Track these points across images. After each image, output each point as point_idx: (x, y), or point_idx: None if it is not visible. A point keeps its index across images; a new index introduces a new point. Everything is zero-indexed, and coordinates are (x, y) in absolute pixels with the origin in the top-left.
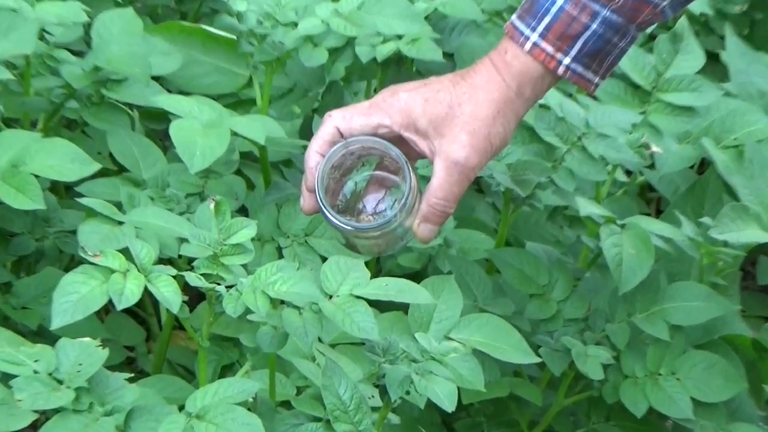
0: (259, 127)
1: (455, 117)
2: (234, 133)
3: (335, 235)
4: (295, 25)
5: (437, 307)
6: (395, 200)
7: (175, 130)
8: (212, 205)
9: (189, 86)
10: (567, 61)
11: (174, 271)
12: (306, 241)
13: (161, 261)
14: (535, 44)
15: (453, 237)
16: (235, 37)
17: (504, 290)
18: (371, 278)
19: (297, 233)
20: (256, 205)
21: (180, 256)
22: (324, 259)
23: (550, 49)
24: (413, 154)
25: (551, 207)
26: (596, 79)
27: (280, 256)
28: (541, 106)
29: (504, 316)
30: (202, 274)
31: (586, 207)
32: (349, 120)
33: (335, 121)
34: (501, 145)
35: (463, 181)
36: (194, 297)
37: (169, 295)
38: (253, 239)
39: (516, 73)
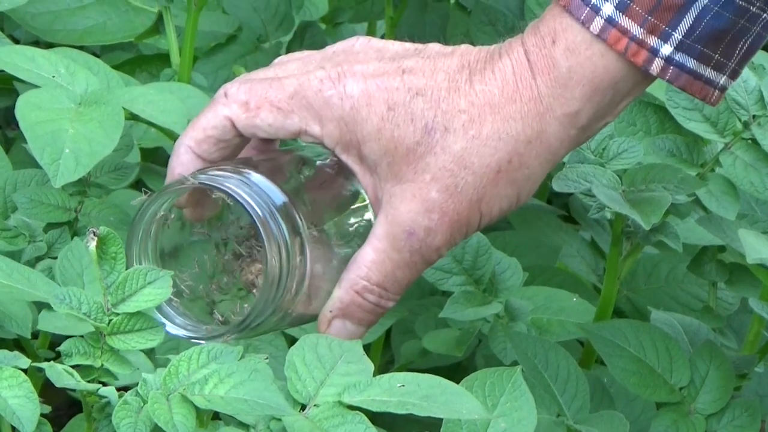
0: (174, 105)
1: (430, 153)
2: (131, 116)
3: None
4: None
5: (492, 425)
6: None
7: (24, 110)
8: (93, 245)
9: (53, 31)
10: (667, 50)
11: (26, 362)
12: None
13: (2, 344)
14: (609, 21)
15: (521, 300)
16: None
17: (611, 396)
18: (376, 373)
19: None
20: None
21: (37, 335)
22: (291, 341)
23: (636, 29)
24: None
25: (696, 248)
26: (720, 80)
27: None
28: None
29: None
30: (74, 367)
31: (758, 247)
32: (255, 113)
33: (232, 108)
34: (503, 213)
35: (417, 265)
36: (63, 407)
37: (18, 405)
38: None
39: (567, 79)
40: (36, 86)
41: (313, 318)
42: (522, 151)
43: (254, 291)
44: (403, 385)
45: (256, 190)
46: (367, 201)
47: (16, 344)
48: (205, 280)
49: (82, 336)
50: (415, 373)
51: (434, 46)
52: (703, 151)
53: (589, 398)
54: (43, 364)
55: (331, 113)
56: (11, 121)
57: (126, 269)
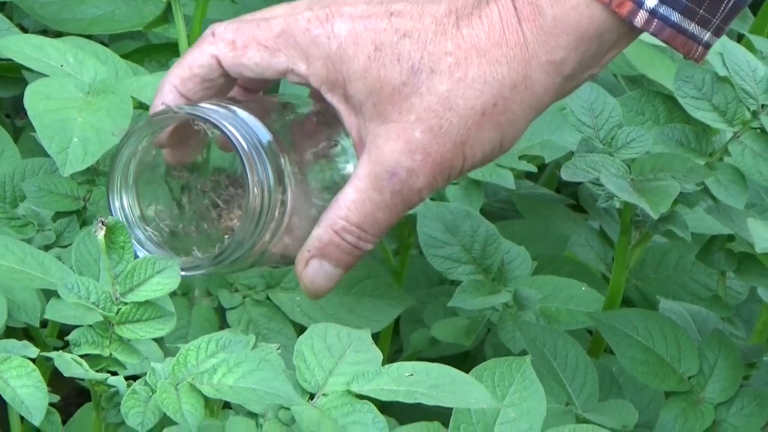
0: None
1: (415, 94)
2: (139, 105)
3: None
4: None
5: (501, 415)
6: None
7: (33, 99)
8: (101, 234)
9: (61, 20)
10: (652, 2)
11: (35, 351)
12: (268, 298)
13: (11, 333)
14: None
15: (530, 290)
16: None
17: (619, 385)
18: (384, 363)
19: (252, 283)
20: None
21: (45, 324)
22: (301, 330)
23: None
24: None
25: (704, 237)
26: (705, 36)
27: (224, 325)
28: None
29: (619, 430)
30: (83, 356)
31: (766, 236)
32: (242, 51)
33: (219, 46)
34: (486, 159)
35: (398, 207)
36: (71, 396)
37: (26, 395)
38: (174, 294)
39: (552, 27)
40: (44, 75)
41: (291, 261)
42: (507, 95)
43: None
44: (412, 375)
45: (242, 124)
46: (350, 149)
47: (25, 333)
48: (185, 223)
49: (90, 325)
50: (424, 363)
51: None
52: (712, 140)
53: (597, 387)
54: (52, 354)
55: (318, 52)
56: (20, 110)
57: (108, 202)
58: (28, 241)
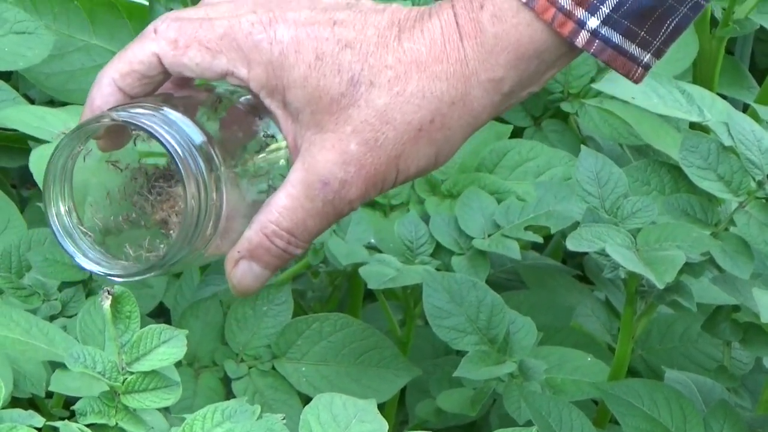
0: None
1: (353, 105)
2: None
3: None
4: None
5: None
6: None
7: (38, 163)
8: (107, 304)
9: (67, 90)
10: (594, 23)
11: (41, 421)
12: (274, 368)
13: (16, 403)
14: None
15: (535, 360)
16: (144, 1)
17: None
18: None
19: (258, 353)
20: (185, 303)
21: (51, 395)
22: (306, 400)
23: (564, 0)
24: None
25: (710, 308)
26: (644, 57)
27: (229, 395)
28: (693, 125)
29: None
30: (89, 425)
31: None
32: (183, 51)
33: (161, 44)
34: (420, 172)
35: (329, 216)
36: None
37: None
38: (179, 363)
39: (492, 46)
40: (46, 142)
41: (224, 257)
42: (445, 112)
43: (168, 228)
44: None
45: (176, 128)
46: (284, 143)
47: (31, 403)
48: (117, 214)
49: (97, 395)
50: None
51: (367, 2)
52: (717, 210)
53: None
54: (58, 423)
55: (259, 57)
56: (26, 181)
57: (44, 209)
58: (34, 311)
